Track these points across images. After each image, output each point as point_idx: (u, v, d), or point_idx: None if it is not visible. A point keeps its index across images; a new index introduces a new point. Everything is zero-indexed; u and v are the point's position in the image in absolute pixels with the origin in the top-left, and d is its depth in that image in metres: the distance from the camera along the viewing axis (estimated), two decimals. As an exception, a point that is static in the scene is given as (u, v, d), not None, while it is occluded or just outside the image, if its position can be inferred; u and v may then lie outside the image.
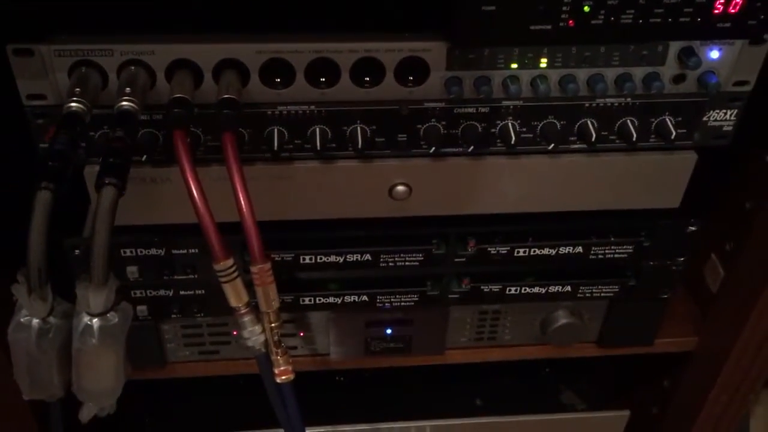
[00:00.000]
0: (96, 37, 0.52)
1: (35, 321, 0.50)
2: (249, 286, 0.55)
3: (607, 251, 0.67)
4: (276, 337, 0.56)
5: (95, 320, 0.49)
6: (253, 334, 0.56)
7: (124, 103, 0.50)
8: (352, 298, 0.68)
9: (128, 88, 0.50)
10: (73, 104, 0.49)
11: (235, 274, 0.53)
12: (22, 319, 0.50)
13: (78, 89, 0.50)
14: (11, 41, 0.51)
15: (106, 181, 0.47)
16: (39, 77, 0.52)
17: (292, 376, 0.58)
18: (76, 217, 0.63)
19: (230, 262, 0.52)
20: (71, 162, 0.48)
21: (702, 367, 0.77)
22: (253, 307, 0.55)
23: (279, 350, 0.57)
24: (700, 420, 0.79)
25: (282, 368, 0.57)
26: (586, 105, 0.58)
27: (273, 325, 0.56)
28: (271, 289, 0.54)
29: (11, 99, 0.54)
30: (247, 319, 0.55)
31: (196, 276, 0.65)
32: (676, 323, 0.78)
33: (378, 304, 0.69)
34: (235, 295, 0.54)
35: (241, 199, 0.50)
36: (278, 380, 0.58)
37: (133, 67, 0.52)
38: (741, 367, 0.73)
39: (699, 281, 0.78)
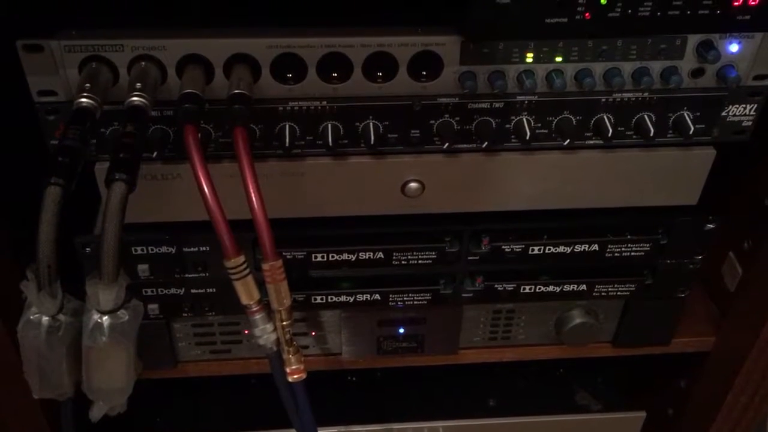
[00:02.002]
0: (106, 32, 0.52)
1: (45, 318, 0.50)
2: (260, 284, 0.55)
3: (623, 249, 0.66)
4: (288, 336, 0.56)
5: (105, 318, 0.49)
6: (265, 333, 0.55)
7: (135, 98, 0.50)
8: (365, 297, 0.67)
9: (139, 84, 0.50)
10: (83, 99, 0.49)
11: (247, 271, 0.53)
12: (31, 317, 0.50)
13: (88, 84, 0.50)
14: (21, 37, 0.51)
15: (116, 177, 0.47)
16: (49, 73, 0.52)
17: (303, 375, 0.57)
18: (88, 215, 0.63)
19: (241, 259, 0.52)
20: (81, 158, 0.48)
21: (720, 367, 0.76)
22: (265, 305, 0.55)
23: (291, 349, 0.56)
24: (718, 422, 0.77)
25: (294, 367, 0.57)
26: (603, 100, 0.57)
27: (285, 323, 0.55)
28: (283, 287, 0.54)
29: (21, 95, 0.53)
30: (258, 317, 0.55)
31: (207, 274, 0.64)
32: (693, 323, 0.77)
33: (390, 303, 0.68)
34: (246, 292, 0.53)
35: (253, 193, 0.50)
36: (290, 379, 0.57)
37: (143, 63, 0.52)
38: (760, 367, 0.72)
39: (717, 280, 0.76)
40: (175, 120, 0.55)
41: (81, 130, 0.48)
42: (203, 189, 0.49)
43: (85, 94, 0.49)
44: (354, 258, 0.65)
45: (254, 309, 0.54)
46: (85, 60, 0.51)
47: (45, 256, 0.46)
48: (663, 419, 0.87)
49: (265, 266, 0.53)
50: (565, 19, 0.51)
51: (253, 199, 0.50)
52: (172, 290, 0.65)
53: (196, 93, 0.50)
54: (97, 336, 0.49)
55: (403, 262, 0.65)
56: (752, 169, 0.70)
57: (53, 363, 0.51)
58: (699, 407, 0.80)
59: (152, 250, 0.62)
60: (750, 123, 0.60)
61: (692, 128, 0.58)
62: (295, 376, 0.57)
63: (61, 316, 0.50)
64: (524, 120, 0.57)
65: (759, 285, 0.69)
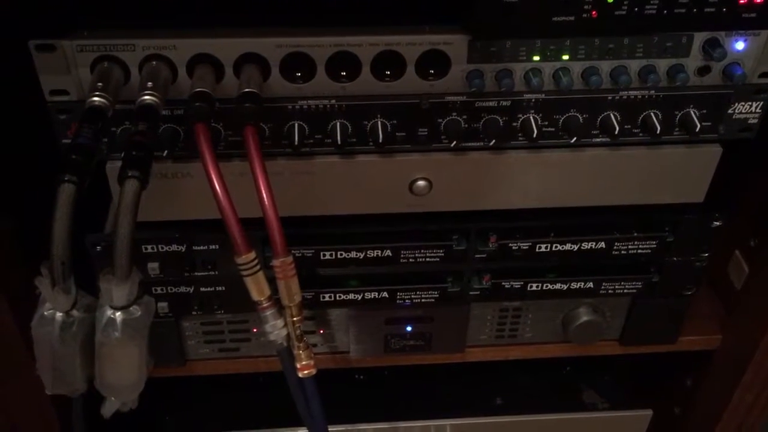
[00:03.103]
0: (118, 32, 0.52)
1: (59, 314, 0.50)
2: (270, 282, 0.55)
3: (630, 247, 0.66)
4: (298, 332, 0.56)
5: (118, 313, 0.50)
6: (276, 328, 0.56)
7: (146, 97, 0.50)
8: (372, 295, 0.68)
9: (150, 83, 0.50)
10: (95, 98, 0.49)
11: (258, 267, 0.53)
12: (45, 313, 0.50)
13: (100, 84, 0.50)
14: (33, 37, 0.51)
15: (129, 174, 0.47)
16: (61, 73, 0.52)
17: (314, 371, 0.58)
18: (99, 214, 0.64)
19: (252, 255, 0.52)
20: (94, 155, 0.48)
21: (726, 365, 0.76)
22: (275, 302, 0.55)
23: (301, 345, 0.57)
24: (724, 420, 0.77)
25: (304, 363, 0.57)
26: (609, 98, 0.58)
27: (295, 319, 0.55)
28: (293, 283, 0.54)
29: (34, 95, 0.54)
30: (269, 313, 0.55)
31: (216, 272, 0.65)
32: (700, 321, 0.77)
33: (398, 301, 0.68)
34: (257, 288, 0.54)
35: (263, 190, 0.50)
36: (300, 375, 0.58)
37: (154, 62, 0.52)
38: (766, 365, 0.72)
39: (723, 278, 0.77)
40: (186, 119, 0.55)
41: (94, 129, 0.48)
42: (215, 186, 0.50)
43: (97, 93, 0.50)
44: (362, 256, 0.65)
45: (265, 305, 0.55)
46: (97, 59, 0.52)
47: (59, 252, 0.47)
48: (670, 417, 0.87)
49: (276, 263, 0.53)
50: (572, 18, 0.51)
51: (264, 196, 0.51)
52: (182, 288, 0.66)
53: (207, 92, 0.51)
54: (110, 331, 0.49)
55: (410, 260, 0.65)
56: (758, 167, 0.70)
57: (67, 359, 0.51)
58: (705, 405, 0.80)
59: (162, 248, 0.63)
60: (756, 120, 0.60)
61: (698, 126, 0.58)
62: (306, 372, 0.57)
63: (75, 312, 0.50)
64: (531, 118, 0.58)
65: (765, 283, 0.69)
